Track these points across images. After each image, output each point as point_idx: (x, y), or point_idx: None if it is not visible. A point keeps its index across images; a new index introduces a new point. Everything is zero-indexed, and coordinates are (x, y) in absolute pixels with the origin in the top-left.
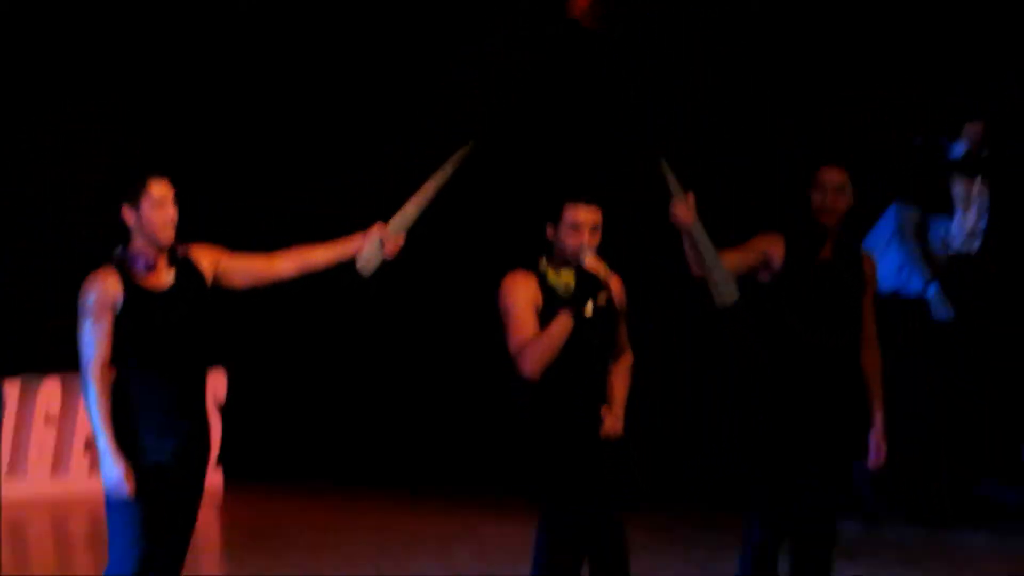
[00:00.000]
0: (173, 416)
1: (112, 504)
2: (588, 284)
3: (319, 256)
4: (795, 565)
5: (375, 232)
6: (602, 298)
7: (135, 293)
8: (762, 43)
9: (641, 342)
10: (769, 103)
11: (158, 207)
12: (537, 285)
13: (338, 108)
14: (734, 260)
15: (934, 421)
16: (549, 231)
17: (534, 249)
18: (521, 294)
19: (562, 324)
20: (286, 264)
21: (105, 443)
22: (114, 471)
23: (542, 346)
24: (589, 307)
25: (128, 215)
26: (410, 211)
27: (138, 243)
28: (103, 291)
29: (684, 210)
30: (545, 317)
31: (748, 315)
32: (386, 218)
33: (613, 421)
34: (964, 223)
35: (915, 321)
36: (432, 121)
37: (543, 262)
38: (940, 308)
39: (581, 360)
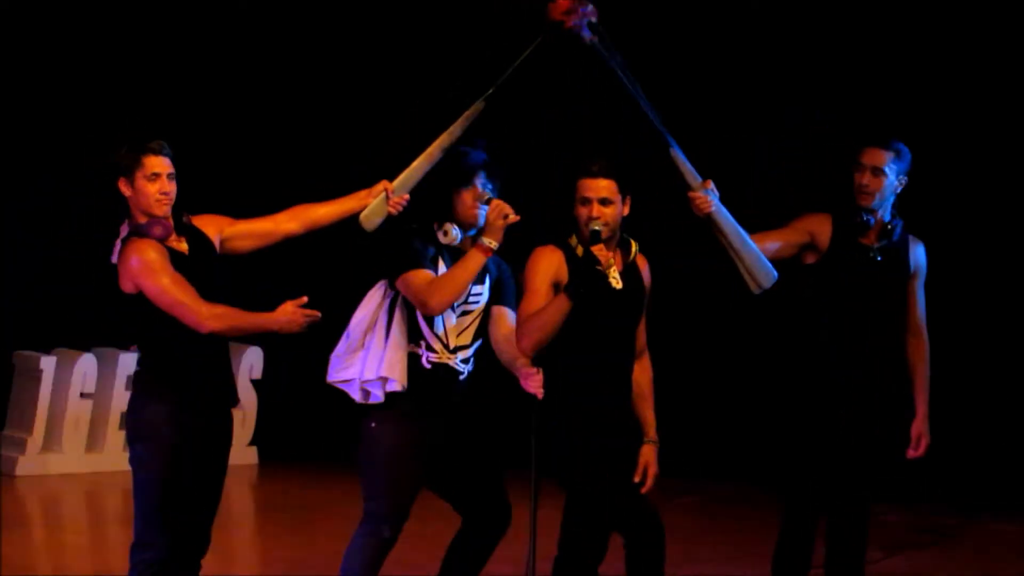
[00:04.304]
0: (204, 387)
1: (140, 481)
2: (587, 265)
3: (323, 213)
4: (830, 546)
5: (380, 189)
6: (615, 280)
7: (174, 257)
8: (763, 41)
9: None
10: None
11: (152, 181)
12: (563, 260)
13: (344, 80)
14: (777, 241)
15: None
16: (574, 207)
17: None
18: (542, 269)
19: (557, 305)
20: (291, 223)
21: (262, 320)
22: (282, 319)
23: (534, 325)
24: (614, 276)
25: (125, 188)
26: (416, 170)
27: (139, 215)
28: (156, 250)
29: (701, 197)
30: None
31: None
32: (392, 176)
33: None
34: None
35: None
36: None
37: (573, 237)
38: None
39: (603, 339)
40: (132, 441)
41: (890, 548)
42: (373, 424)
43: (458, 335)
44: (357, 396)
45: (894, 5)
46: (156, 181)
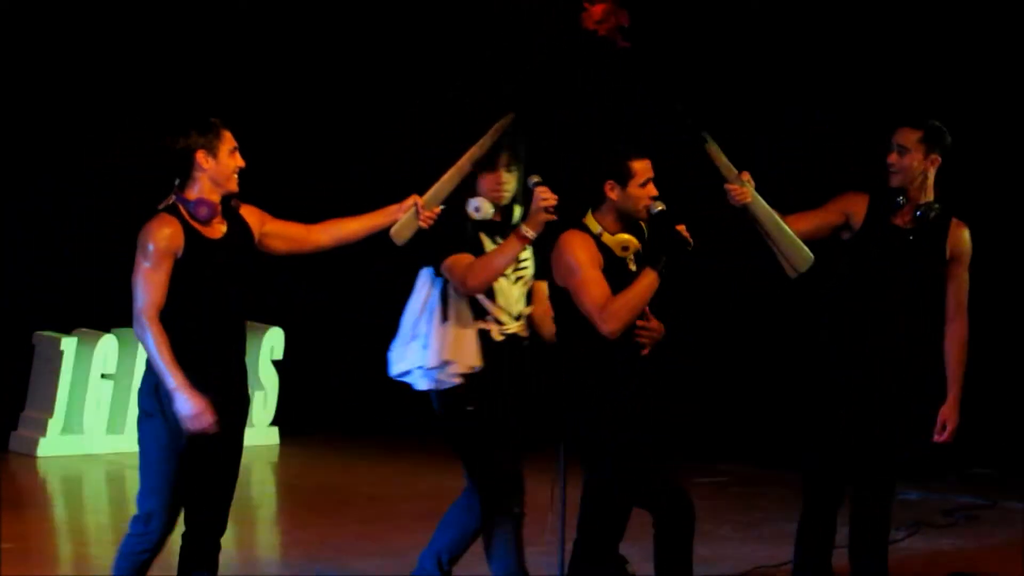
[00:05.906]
0: (215, 367)
1: (146, 456)
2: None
3: (354, 227)
4: (853, 528)
5: (410, 203)
6: (632, 264)
7: (195, 241)
8: (763, 41)
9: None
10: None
11: (232, 155)
12: (594, 243)
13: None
14: (814, 221)
15: None
16: (612, 191)
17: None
18: (586, 254)
19: (647, 284)
20: (322, 235)
21: (177, 380)
22: (191, 405)
23: (629, 305)
24: (632, 261)
25: (205, 160)
26: (446, 183)
27: (204, 189)
28: (168, 238)
29: (738, 189)
30: (606, 277)
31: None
32: (422, 190)
33: None
34: None
35: None
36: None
37: (593, 222)
38: None
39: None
40: (141, 419)
41: (912, 528)
42: (470, 408)
43: (517, 302)
44: (422, 385)
45: (894, 5)
46: (235, 155)
